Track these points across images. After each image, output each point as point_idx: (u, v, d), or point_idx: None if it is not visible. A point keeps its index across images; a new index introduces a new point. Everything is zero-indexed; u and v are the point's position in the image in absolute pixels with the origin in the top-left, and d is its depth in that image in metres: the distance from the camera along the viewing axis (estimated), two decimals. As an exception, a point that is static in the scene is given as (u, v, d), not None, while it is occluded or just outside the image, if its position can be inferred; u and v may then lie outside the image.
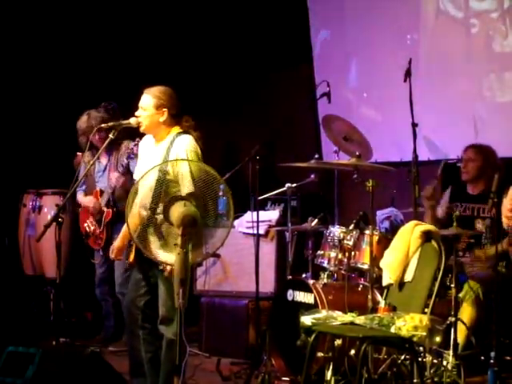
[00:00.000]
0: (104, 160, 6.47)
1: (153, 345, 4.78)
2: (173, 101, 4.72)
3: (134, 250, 4.64)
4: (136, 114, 4.75)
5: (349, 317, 4.61)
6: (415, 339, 4.25)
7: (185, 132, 4.70)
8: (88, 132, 6.08)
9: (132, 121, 4.75)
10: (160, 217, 4.07)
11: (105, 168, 6.46)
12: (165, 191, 4.15)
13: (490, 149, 5.86)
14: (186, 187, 4.29)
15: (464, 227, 5.32)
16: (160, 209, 4.05)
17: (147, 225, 4.11)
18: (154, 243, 4.08)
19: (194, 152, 4.60)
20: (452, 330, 4.96)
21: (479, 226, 5.75)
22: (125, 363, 5.02)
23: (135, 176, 4.83)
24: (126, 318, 4.89)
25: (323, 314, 4.71)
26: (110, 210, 6.33)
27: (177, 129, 4.72)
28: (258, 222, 5.82)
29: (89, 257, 6.60)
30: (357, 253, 5.40)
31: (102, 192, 6.42)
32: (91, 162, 5.29)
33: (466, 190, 5.91)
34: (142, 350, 4.80)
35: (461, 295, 5.29)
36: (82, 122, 6.39)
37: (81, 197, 6.61)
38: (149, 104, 4.69)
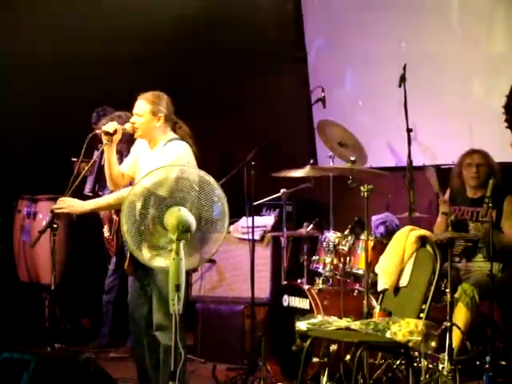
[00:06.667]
0: None
1: (157, 352, 4.77)
2: (168, 106, 4.73)
3: (128, 257, 4.63)
4: (131, 120, 4.75)
5: (344, 322, 4.61)
6: (410, 344, 4.25)
7: (179, 138, 4.70)
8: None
9: (127, 126, 4.74)
10: (153, 222, 4.02)
11: None
12: (155, 200, 4.06)
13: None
14: (164, 191, 4.05)
15: (459, 230, 5.30)
16: (153, 215, 4.00)
17: (141, 231, 4.07)
18: (148, 249, 4.06)
19: (187, 158, 4.60)
20: (447, 334, 4.96)
21: None
22: (122, 369, 5.02)
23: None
24: (131, 326, 4.91)
25: (318, 319, 4.70)
26: (118, 218, 6.27)
27: (171, 134, 4.72)
28: (253, 227, 5.83)
29: (106, 262, 6.56)
30: (352, 258, 5.41)
31: None
32: (86, 168, 5.20)
33: (466, 194, 5.85)
34: (146, 357, 4.82)
35: (456, 295, 5.27)
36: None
37: None
38: (145, 110, 4.69)
